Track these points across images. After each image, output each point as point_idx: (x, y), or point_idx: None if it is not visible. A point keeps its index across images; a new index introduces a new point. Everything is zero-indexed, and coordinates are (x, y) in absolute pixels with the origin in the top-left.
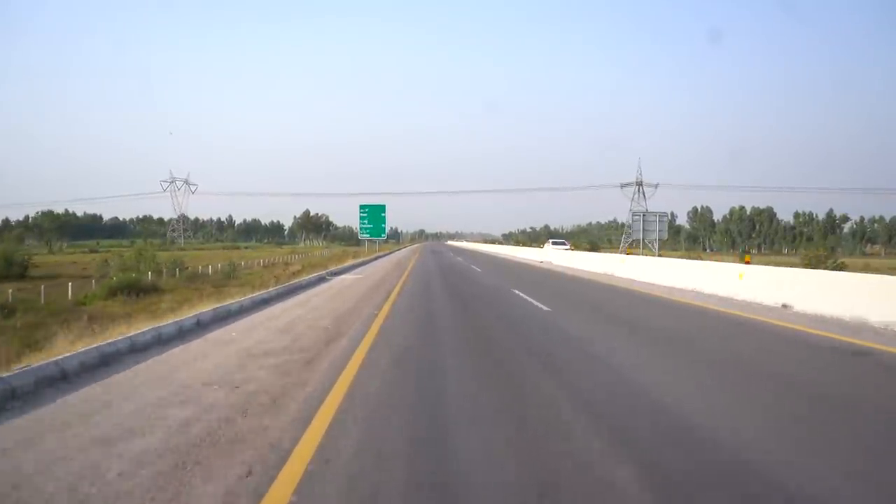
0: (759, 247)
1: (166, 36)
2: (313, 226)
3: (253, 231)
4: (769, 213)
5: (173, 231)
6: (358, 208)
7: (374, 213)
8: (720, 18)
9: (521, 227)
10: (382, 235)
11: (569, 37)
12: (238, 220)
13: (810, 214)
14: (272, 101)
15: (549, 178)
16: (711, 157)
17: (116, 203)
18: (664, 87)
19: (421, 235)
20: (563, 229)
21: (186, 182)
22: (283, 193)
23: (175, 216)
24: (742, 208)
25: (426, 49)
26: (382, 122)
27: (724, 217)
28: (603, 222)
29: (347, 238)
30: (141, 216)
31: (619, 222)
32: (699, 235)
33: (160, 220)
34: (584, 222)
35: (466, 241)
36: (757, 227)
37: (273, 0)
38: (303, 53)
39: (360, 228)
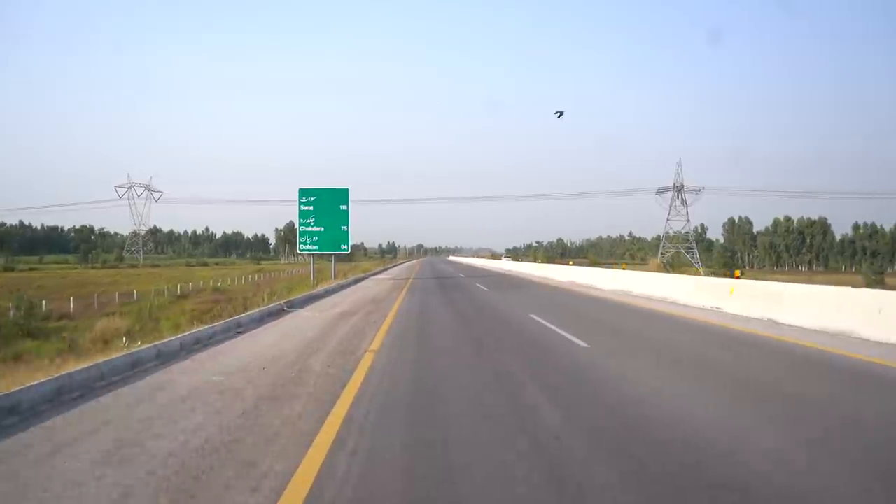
0: (809, 264)
1: (162, 40)
2: None
3: (234, 245)
4: (822, 225)
5: (132, 244)
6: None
7: (325, 206)
8: (719, 19)
9: (527, 242)
10: (345, 248)
11: (572, 39)
12: (220, 233)
13: (873, 226)
14: (265, 106)
15: (556, 187)
16: (720, 163)
17: (87, 214)
18: (670, 92)
19: (419, 250)
20: (572, 243)
21: (148, 188)
22: (268, 200)
23: (135, 227)
24: (789, 219)
25: (427, 52)
26: (382, 130)
27: (767, 229)
28: (614, 236)
29: None
30: (79, 226)
31: (636, 235)
32: (736, 250)
33: (135, 233)
34: (593, 236)
35: (469, 256)
36: (808, 240)
37: (275, 5)
38: (300, 59)
39: (301, 235)
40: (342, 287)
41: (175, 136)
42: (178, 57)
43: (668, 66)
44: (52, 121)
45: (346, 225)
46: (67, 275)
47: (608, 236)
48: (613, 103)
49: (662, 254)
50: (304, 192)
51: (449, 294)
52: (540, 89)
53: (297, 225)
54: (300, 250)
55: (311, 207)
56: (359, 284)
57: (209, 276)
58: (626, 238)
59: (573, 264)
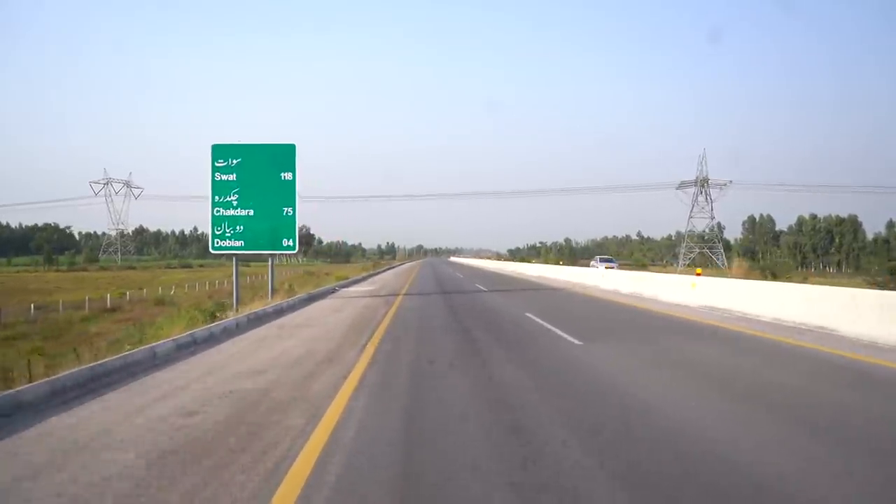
0: (839, 265)
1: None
2: None
3: None
4: (852, 223)
5: (109, 245)
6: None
7: (257, 174)
8: (719, 19)
9: (530, 243)
10: (290, 244)
11: (571, 40)
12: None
13: None
14: (262, 106)
15: (559, 186)
16: (723, 161)
17: (73, 213)
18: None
19: (419, 251)
20: (577, 244)
21: (127, 184)
22: None
23: (112, 226)
24: (815, 217)
25: (426, 52)
26: (382, 130)
27: (790, 228)
28: (620, 236)
29: (336, 254)
30: (42, 224)
31: (645, 236)
32: (757, 250)
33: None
34: (598, 236)
35: (470, 257)
36: (836, 240)
37: (275, 6)
38: (299, 60)
39: (216, 223)
40: (260, 320)
41: (174, 135)
42: (177, 56)
43: (668, 66)
44: (40, 119)
45: (292, 206)
46: (21, 278)
47: (614, 237)
48: (614, 103)
49: (685, 255)
50: (220, 152)
51: (503, 389)
52: (540, 90)
53: (210, 207)
54: (213, 249)
55: (234, 176)
56: (302, 311)
57: (179, 280)
58: (634, 238)
59: (690, 273)
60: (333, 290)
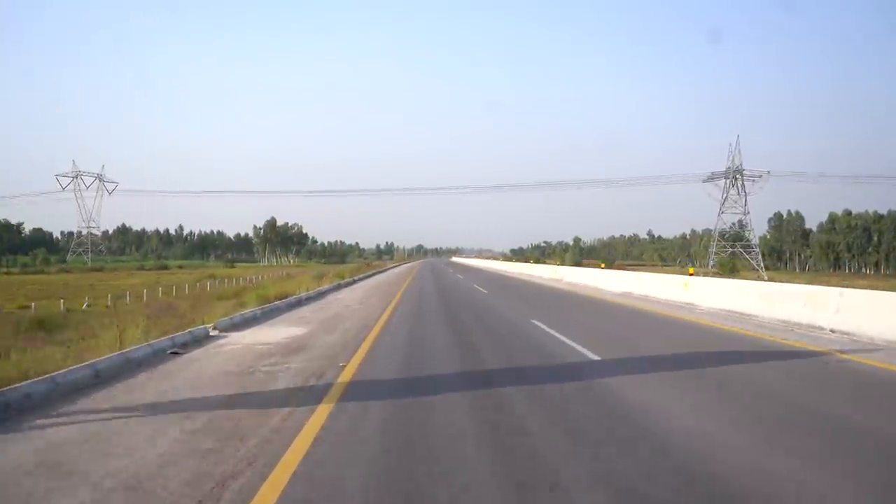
0: (877, 265)
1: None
2: (280, 238)
3: (213, 245)
4: (893, 220)
5: (78, 245)
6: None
7: None
8: (719, 20)
9: (534, 242)
10: None
11: (571, 39)
12: (199, 232)
13: None
14: (265, 107)
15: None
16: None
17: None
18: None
19: (419, 251)
20: (583, 244)
21: (99, 178)
22: (246, 192)
23: (82, 223)
24: (848, 213)
25: (427, 51)
26: (382, 131)
27: (821, 225)
28: (627, 236)
29: (331, 254)
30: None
31: (656, 235)
32: (785, 250)
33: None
34: (605, 235)
35: (472, 257)
36: (875, 238)
37: (275, 7)
38: (300, 61)
39: None
40: None
41: (174, 135)
42: (176, 54)
43: (670, 64)
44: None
45: None
46: None
47: (621, 236)
48: (616, 101)
49: (714, 254)
50: None
51: None
52: (540, 89)
53: None
54: None
55: None
56: None
57: (132, 285)
58: (644, 237)
59: None
60: (206, 337)
